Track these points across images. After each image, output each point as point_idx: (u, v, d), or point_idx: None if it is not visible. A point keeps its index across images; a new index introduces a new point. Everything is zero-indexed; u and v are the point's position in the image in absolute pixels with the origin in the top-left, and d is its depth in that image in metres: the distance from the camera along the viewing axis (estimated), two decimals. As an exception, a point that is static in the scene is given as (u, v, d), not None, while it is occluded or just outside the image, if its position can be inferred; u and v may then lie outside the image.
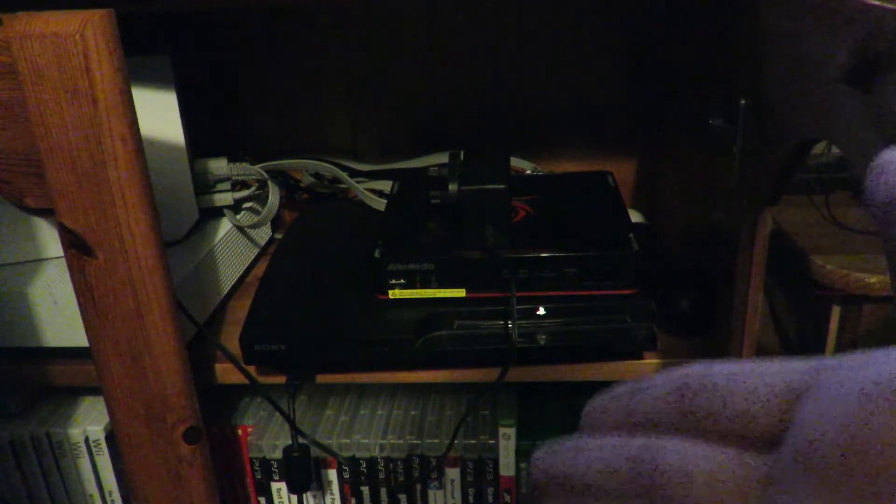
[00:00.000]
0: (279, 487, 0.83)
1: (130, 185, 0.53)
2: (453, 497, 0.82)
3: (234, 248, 0.86)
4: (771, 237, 0.57)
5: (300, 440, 0.74)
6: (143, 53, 0.76)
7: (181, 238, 0.81)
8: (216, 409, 0.84)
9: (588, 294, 0.67)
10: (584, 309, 0.67)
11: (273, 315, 0.71)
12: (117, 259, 0.55)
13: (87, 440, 0.80)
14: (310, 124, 0.97)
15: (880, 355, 0.17)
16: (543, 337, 0.67)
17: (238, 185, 0.87)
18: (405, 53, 0.93)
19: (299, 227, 0.89)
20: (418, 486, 0.81)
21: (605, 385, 0.23)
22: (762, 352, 0.64)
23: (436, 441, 0.80)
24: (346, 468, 0.81)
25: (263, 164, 0.87)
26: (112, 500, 0.84)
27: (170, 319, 0.58)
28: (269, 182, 0.86)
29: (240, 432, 0.82)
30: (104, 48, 0.49)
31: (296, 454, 0.74)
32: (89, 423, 0.81)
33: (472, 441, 0.79)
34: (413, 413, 0.84)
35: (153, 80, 0.77)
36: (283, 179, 0.92)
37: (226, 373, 0.72)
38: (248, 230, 0.89)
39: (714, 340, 0.67)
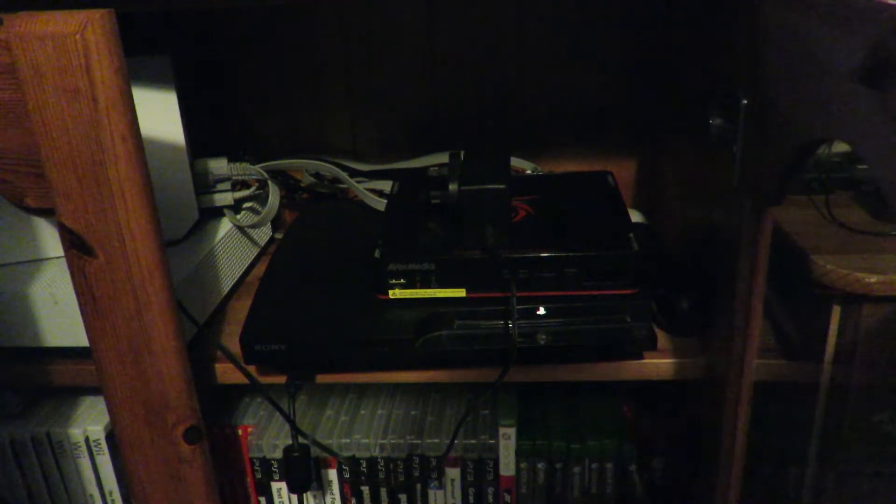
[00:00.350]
0: (279, 487, 0.83)
1: (130, 184, 0.53)
2: (453, 497, 0.82)
3: (234, 248, 0.86)
4: (770, 237, 0.57)
5: (300, 440, 0.74)
6: (143, 53, 0.76)
7: (181, 238, 0.81)
8: (216, 409, 0.84)
9: (588, 294, 0.67)
10: (584, 309, 0.67)
11: (273, 315, 0.71)
12: (117, 259, 0.55)
13: (87, 440, 0.80)
14: (310, 124, 0.97)
15: None
16: (543, 337, 0.67)
17: (238, 184, 0.88)
18: (405, 53, 0.93)
19: (299, 227, 0.89)
20: (418, 486, 0.81)
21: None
22: (762, 352, 0.64)
23: (436, 441, 0.80)
24: (346, 468, 0.81)
25: (263, 164, 0.87)
26: (112, 500, 0.84)
27: (170, 319, 0.58)
28: (269, 182, 0.86)
29: (240, 432, 0.82)
30: (104, 48, 0.49)
31: (296, 454, 0.74)
32: (89, 423, 0.81)
33: (472, 441, 0.79)
34: (413, 413, 0.84)
35: (153, 80, 0.77)
36: (283, 179, 0.93)
37: (226, 373, 0.72)
38: (248, 230, 0.89)
39: (714, 340, 0.67)
